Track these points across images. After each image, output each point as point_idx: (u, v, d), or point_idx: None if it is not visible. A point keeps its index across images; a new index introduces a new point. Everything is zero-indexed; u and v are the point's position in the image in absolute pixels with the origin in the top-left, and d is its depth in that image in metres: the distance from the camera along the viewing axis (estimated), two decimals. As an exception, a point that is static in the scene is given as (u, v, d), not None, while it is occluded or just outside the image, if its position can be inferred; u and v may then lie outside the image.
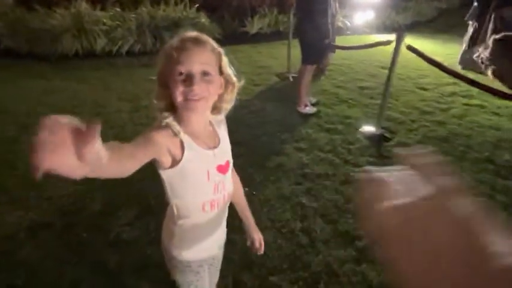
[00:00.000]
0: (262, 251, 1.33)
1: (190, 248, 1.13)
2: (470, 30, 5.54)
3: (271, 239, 2.15)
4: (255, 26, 7.55)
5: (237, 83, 1.02)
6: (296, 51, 4.34)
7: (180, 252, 1.13)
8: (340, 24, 7.93)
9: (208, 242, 1.16)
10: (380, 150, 3.25)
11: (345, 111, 4.05)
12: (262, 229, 1.41)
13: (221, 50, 0.98)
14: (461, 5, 9.51)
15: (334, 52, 4.96)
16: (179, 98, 0.90)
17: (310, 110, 3.98)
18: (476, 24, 5.43)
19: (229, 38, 6.63)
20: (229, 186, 1.14)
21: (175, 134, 0.94)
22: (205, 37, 0.95)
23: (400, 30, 3.25)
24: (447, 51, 6.61)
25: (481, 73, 4.99)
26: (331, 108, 4.16)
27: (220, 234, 1.21)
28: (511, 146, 3.31)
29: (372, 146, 3.30)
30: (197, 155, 0.98)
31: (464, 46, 5.68)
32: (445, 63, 3.22)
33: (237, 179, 1.26)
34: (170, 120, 0.94)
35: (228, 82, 1.00)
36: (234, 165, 1.15)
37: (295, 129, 3.62)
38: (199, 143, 0.99)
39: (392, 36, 3.28)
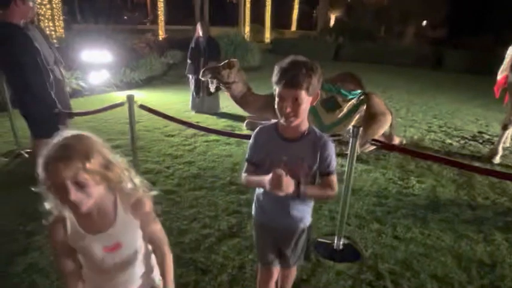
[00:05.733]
0: None
1: None
2: (192, 81, 6.67)
3: None
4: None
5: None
6: (21, 122, 3.79)
7: None
8: (75, 86, 7.59)
9: None
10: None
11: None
12: None
13: None
14: (183, 60, 11.23)
15: (72, 118, 4.66)
16: None
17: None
18: (195, 76, 6.58)
19: None
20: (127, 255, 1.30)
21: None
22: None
23: (131, 95, 3.42)
24: (180, 99, 7.63)
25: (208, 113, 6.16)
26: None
27: None
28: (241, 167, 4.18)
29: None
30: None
31: (192, 94, 6.76)
32: (180, 110, 3.72)
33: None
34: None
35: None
36: None
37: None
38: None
39: (128, 93, 3.46)
